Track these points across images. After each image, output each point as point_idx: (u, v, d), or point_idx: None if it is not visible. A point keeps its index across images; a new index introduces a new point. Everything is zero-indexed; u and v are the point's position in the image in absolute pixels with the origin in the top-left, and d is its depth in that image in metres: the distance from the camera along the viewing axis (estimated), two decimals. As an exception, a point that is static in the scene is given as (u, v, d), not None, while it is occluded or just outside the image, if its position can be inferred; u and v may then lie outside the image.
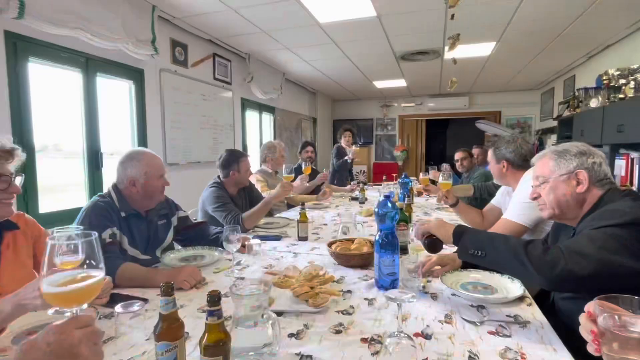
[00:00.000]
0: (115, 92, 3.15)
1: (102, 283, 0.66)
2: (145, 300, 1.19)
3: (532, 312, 1.08)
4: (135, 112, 3.26)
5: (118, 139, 3.19)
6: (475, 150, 4.19)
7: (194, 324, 1.02)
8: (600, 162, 1.19)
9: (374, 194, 3.76)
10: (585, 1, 3.11)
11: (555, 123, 5.79)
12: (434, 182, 3.33)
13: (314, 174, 3.86)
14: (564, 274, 0.91)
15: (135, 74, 3.23)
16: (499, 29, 3.74)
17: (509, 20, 3.50)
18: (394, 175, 5.02)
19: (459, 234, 1.16)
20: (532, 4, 3.13)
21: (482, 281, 1.30)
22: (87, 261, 0.66)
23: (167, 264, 1.53)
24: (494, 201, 2.26)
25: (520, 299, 1.16)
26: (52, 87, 2.62)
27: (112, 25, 2.71)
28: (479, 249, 1.09)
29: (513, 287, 1.23)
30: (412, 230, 1.48)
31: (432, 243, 1.28)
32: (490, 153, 2.01)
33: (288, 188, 2.26)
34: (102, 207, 1.48)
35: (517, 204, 1.71)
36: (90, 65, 2.79)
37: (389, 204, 1.27)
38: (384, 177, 4.20)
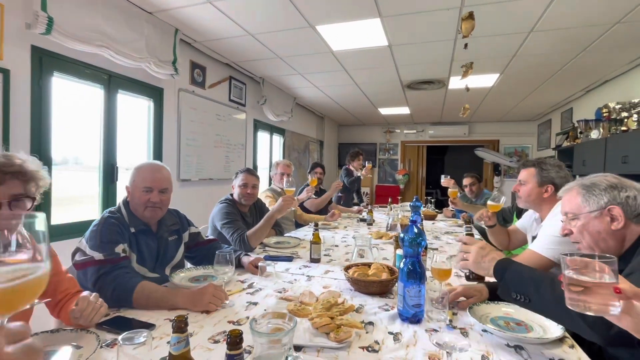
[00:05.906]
0: (134, 109, 3.08)
1: (44, 280, 0.42)
2: (151, 326, 1.04)
3: (579, 357, 0.92)
4: (152, 129, 3.18)
5: (134, 154, 3.09)
6: (467, 180, 3.95)
7: (205, 358, 0.87)
8: (635, 195, 1.06)
9: (381, 216, 3.61)
10: (587, 39, 3.06)
11: (552, 152, 5.68)
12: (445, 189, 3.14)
13: (320, 193, 3.73)
14: (625, 333, 0.75)
15: (155, 93, 3.17)
16: (504, 61, 3.70)
17: (514, 53, 3.45)
18: (399, 198, 4.88)
19: (502, 271, 1.03)
20: (537, 40, 3.09)
21: (514, 316, 1.14)
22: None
23: (177, 284, 1.38)
24: (518, 224, 2.10)
25: (561, 339, 1.00)
26: (73, 101, 2.54)
27: (136, 45, 2.66)
28: (522, 294, 0.96)
29: (549, 324, 1.06)
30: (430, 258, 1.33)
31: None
32: (533, 172, 1.70)
33: (289, 201, 2.10)
34: (113, 223, 1.34)
35: (547, 237, 1.52)
36: (113, 82, 2.73)
37: (416, 230, 1.13)
38: (389, 200, 4.04)
